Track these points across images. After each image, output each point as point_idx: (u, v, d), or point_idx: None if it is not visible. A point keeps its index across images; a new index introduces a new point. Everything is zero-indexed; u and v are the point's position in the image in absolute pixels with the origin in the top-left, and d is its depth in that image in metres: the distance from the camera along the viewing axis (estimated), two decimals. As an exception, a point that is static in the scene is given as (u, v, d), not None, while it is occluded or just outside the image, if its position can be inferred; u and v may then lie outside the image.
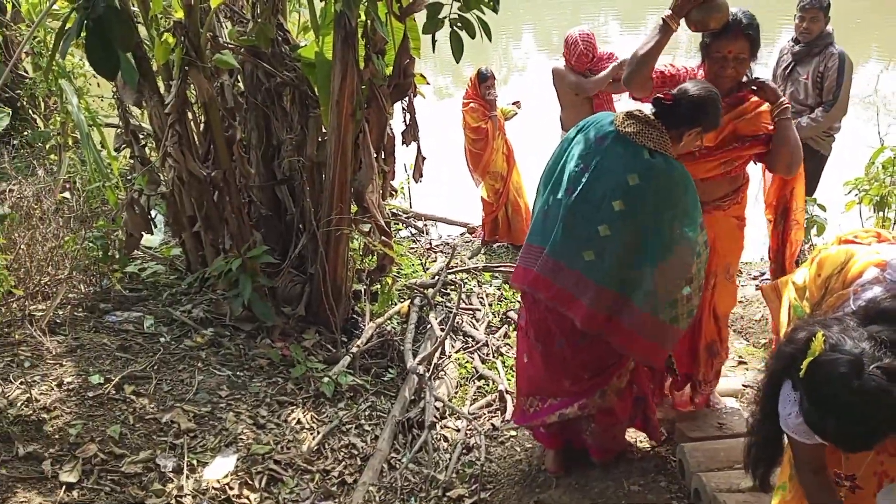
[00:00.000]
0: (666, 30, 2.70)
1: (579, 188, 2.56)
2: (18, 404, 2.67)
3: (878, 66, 11.45)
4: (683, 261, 2.55)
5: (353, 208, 3.77)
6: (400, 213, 6.47)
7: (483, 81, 5.64)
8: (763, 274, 4.98)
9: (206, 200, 3.72)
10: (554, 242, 2.61)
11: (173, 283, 3.96)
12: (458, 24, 2.80)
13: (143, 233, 3.80)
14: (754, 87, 2.81)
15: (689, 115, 2.52)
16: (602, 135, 2.58)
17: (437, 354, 3.80)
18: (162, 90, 3.77)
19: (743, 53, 2.72)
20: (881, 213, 5.13)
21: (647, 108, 2.65)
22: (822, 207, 4.72)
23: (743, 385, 3.71)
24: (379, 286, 4.24)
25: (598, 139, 2.58)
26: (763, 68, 5.17)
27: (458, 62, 2.81)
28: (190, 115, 3.70)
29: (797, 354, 1.72)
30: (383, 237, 3.78)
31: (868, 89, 10.11)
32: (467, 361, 3.92)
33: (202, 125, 3.82)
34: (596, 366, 2.76)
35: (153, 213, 4.15)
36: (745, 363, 4.00)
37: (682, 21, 2.74)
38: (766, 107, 2.79)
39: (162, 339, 3.31)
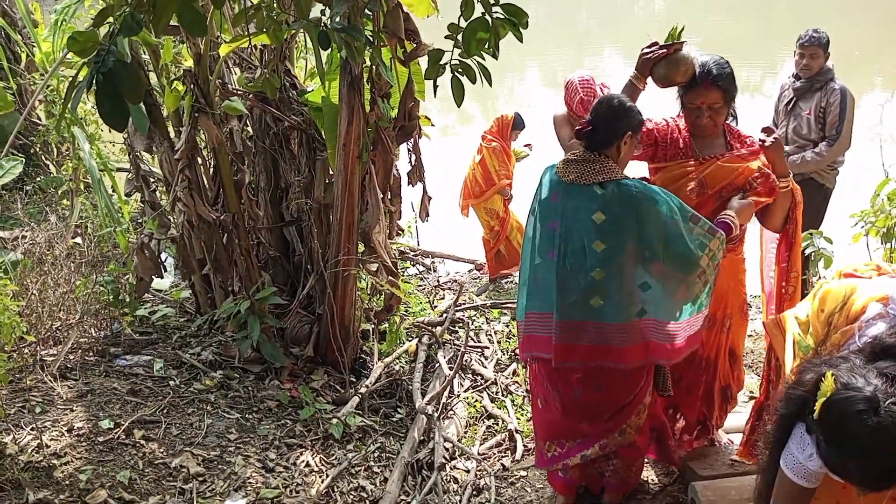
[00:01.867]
0: (633, 89, 2.80)
1: (558, 246, 2.62)
2: (29, 450, 2.68)
3: (882, 96, 11.50)
4: (687, 263, 2.59)
5: (361, 248, 3.81)
6: (407, 252, 6.50)
7: (516, 128, 5.71)
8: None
9: (216, 243, 3.77)
10: (559, 305, 2.65)
11: (183, 325, 3.99)
12: (459, 70, 2.85)
13: (153, 276, 3.85)
14: (765, 143, 2.82)
15: (612, 127, 2.60)
16: (553, 191, 2.66)
17: (446, 394, 3.80)
18: (172, 136, 3.85)
19: (716, 103, 2.78)
20: (889, 245, 5.12)
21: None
22: (829, 240, 4.72)
23: (752, 422, 3.67)
24: (387, 325, 4.25)
25: (552, 196, 2.66)
26: (766, 100, 5.22)
27: (459, 106, 2.85)
28: (199, 160, 3.77)
29: (808, 397, 1.71)
30: (390, 277, 3.81)
31: (872, 120, 10.16)
32: (476, 401, 3.91)
33: (212, 169, 3.89)
34: (614, 407, 2.78)
35: (163, 256, 4.21)
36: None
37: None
38: (754, 164, 2.83)
39: (171, 383, 3.33)
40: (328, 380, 3.73)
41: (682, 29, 2.78)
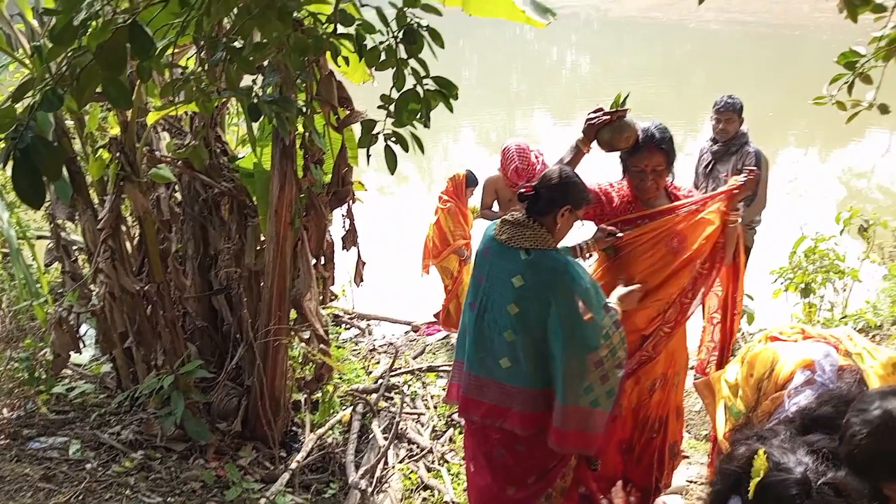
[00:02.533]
0: (577, 151, 2.87)
1: (479, 301, 2.67)
2: (-74, 550, 2.47)
3: (796, 153, 12.18)
4: (588, 346, 2.57)
5: (293, 314, 3.73)
6: (342, 314, 6.41)
7: (470, 185, 5.78)
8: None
9: (139, 315, 3.63)
10: (470, 357, 2.69)
11: (103, 402, 3.80)
12: (392, 139, 2.87)
13: (70, 352, 3.66)
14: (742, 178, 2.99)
15: (552, 197, 2.64)
16: (486, 246, 2.71)
17: (381, 466, 3.70)
18: (96, 203, 3.73)
19: (660, 165, 2.88)
20: (807, 300, 5.35)
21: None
22: (751, 297, 4.89)
23: (688, 481, 3.70)
24: (320, 394, 4.15)
25: (485, 251, 2.72)
26: (687, 157, 5.44)
27: (392, 174, 2.87)
28: (124, 229, 3.65)
29: (741, 474, 1.74)
30: (322, 345, 3.73)
31: (788, 175, 10.72)
32: (412, 472, 3.81)
33: (136, 238, 3.77)
34: (538, 469, 2.76)
35: (84, 327, 4.02)
36: (687, 457, 3.99)
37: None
38: (700, 216, 2.94)
39: (88, 466, 3.14)
40: (257, 456, 3.59)
41: (627, 96, 2.88)
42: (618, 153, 2.99)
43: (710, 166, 4.91)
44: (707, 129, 5.16)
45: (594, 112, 2.87)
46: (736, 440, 1.90)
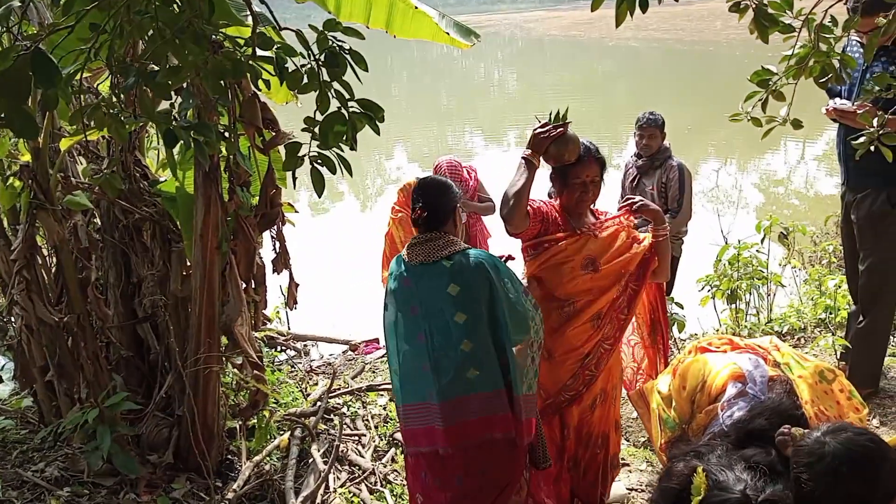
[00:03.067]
0: (530, 167, 2.90)
1: (424, 330, 2.65)
2: None
3: (716, 164, 12.64)
4: (528, 329, 2.67)
5: (224, 340, 3.63)
6: (277, 337, 6.27)
7: None
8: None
9: (59, 347, 3.47)
10: (438, 388, 2.63)
11: (25, 438, 3.62)
12: (319, 161, 2.84)
13: (-14, 389, 3.48)
14: (636, 207, 3.10)
15: (445, 206, 2.73)
16: (404, 278, 2.72)
17: (322, 491, 3.62)
18: (8, 233, 3.56)
19: (597, 177, 2.99)
20: (734, 306, 5.53)
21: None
22: (680, 305, 5.03)
23: (628, 489, 3.75)
24: (255, 420, 4.04)
25: (405, 282, 2.72)
26: (614, 171, 5.57)
27: (319, 196, 2.83)
28: (39, 259, 3.50)
29: (682, 492, 1.76)
30: (255, 371, 3.64)
31: (710, 184, 11.12)
32: (354, 495, 3.75)
33: (54, 268, 3.61)
34: (495, 489, 2.75)
35: (1, 360, 3.83)
36: (627, 465, 4.05)
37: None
38: (624, 234, 3.04)
39: (9, 508, 2.98)
40: (191, 487, 3.46)
41: (567, 110, 2.94)
42: (550, 169, 3.07)
43: (635, 180, 5.04)
44: (631, 143, 5.30)
45: (541, 126, 2.92)
46: (674, 455, 1.93)
